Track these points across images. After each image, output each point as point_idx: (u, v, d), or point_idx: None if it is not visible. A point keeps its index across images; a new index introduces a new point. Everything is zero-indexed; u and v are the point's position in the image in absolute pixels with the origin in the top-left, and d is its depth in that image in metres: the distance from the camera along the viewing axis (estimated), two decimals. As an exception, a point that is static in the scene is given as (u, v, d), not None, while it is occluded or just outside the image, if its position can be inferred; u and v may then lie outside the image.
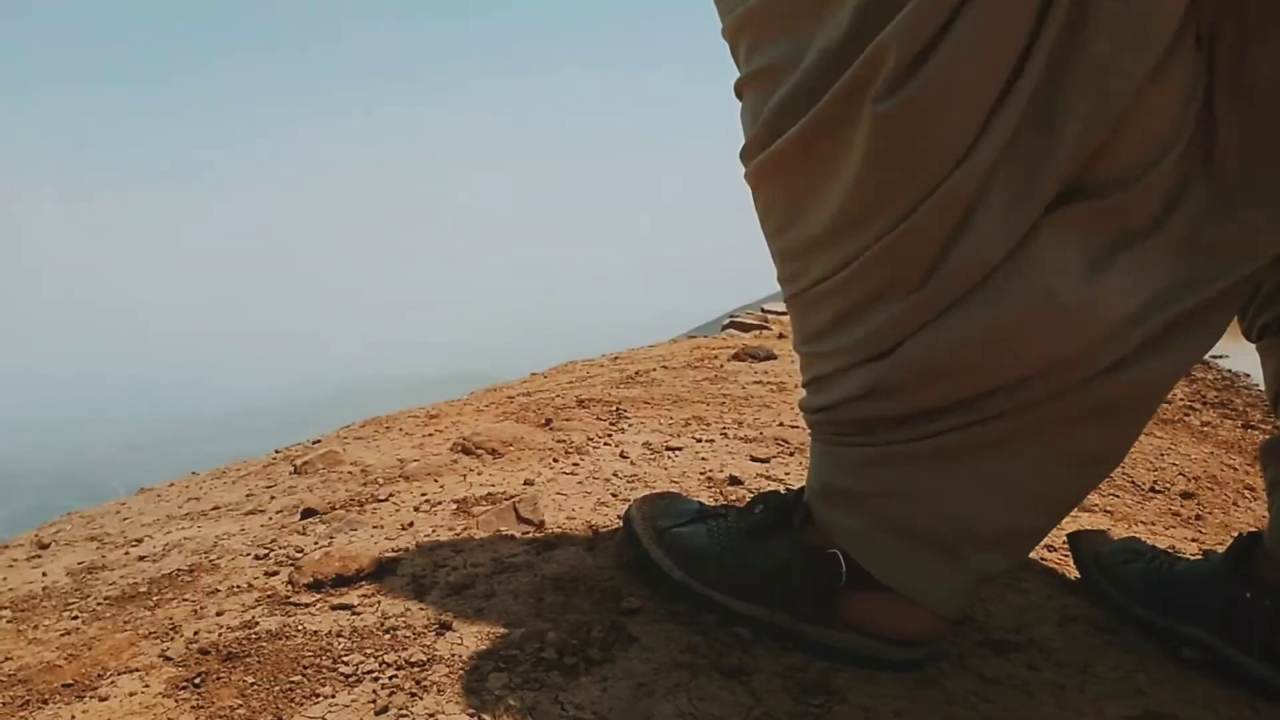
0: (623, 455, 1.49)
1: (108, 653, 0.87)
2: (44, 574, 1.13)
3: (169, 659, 0.84)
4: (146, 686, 0.80)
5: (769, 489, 1.28)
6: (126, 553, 1.19)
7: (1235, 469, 2.01)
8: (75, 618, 0.96)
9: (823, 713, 0.73)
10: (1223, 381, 3.62)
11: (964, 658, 0.85)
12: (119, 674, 0.82)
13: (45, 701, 0.78)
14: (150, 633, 0.90)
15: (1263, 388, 3.12)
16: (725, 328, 4.48)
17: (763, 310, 5.14)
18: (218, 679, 0.80)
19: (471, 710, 0.72)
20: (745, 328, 4.30)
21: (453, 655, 0.81)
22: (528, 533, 1.11)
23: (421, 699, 0.74)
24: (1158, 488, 1.65)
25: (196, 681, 0.79)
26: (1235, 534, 0.91)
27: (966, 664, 0.83)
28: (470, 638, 0.84)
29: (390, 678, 0.78)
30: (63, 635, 0.92)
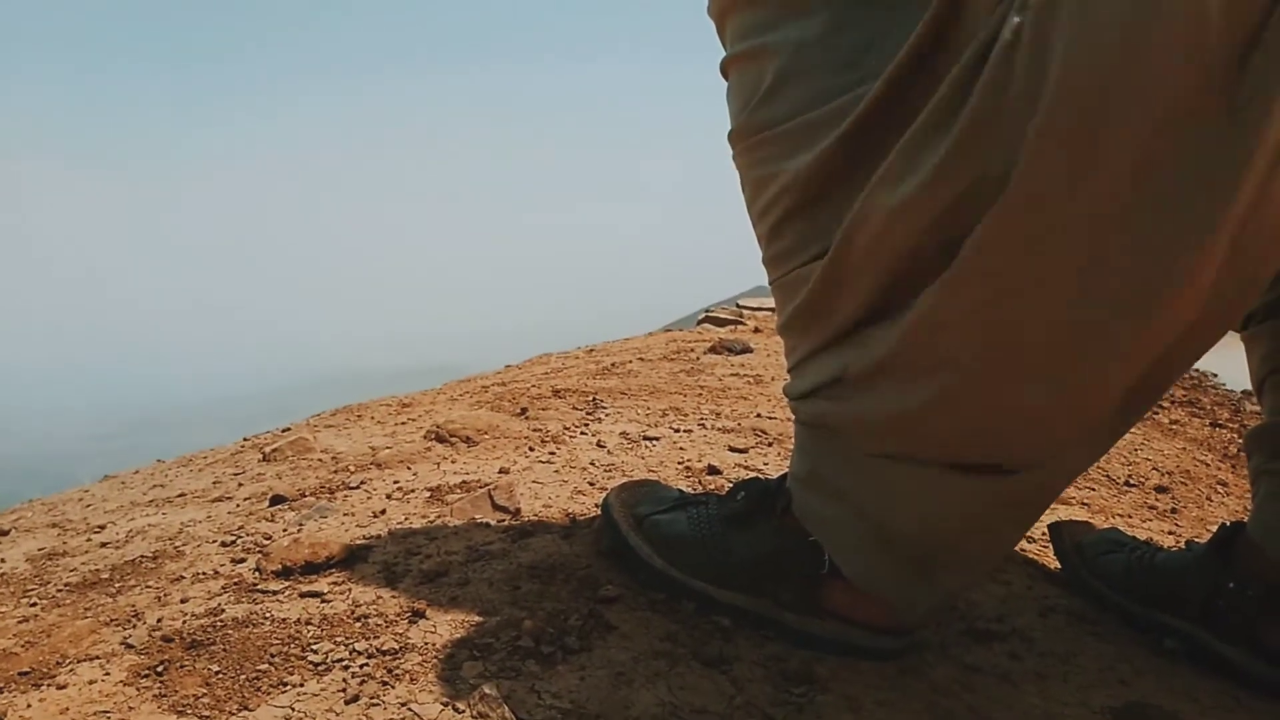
0: (600, 444, 1.48)
1: (67, 640, 0.84)
2: (2, 560, 1.09)
3: (130, 646, 0.81)
4: (107, 674, 0.77)
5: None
6: (89, 539, 1.16)
7: (1207, 464, 2.02)
8: (34, 604, 0.93)
9: (805, 702, 0.72)
10: (1190, 381, 3.66)
11: (947, 647, 0.84)
12: (78, 662, 0.79)
13: (0, 690, 0.75)
14: (112, 620, 0.87)
15: (1230, 387, 3.15)
16: (700, 322, 4.47)
17: (738, 305, 5.15)
18: (181, 667, 0.77)
19: (445, 699, 0.70)
20: (721, 322, 4.29)
21: (426, 643, 0.79)
22: (503, 520, 1.09)
23: (393, 688, 0.72)
24: (1132, 482, 1.65)
25: (159, 669, 0.77)
26: (1211, 527, 0.91)
27: (949, 653, 0.83)
28: (444, 626, 0.82)
29: (361, 666, 0.75)
30: (20, 622, 0.89)
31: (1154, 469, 1.81)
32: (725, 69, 0.77)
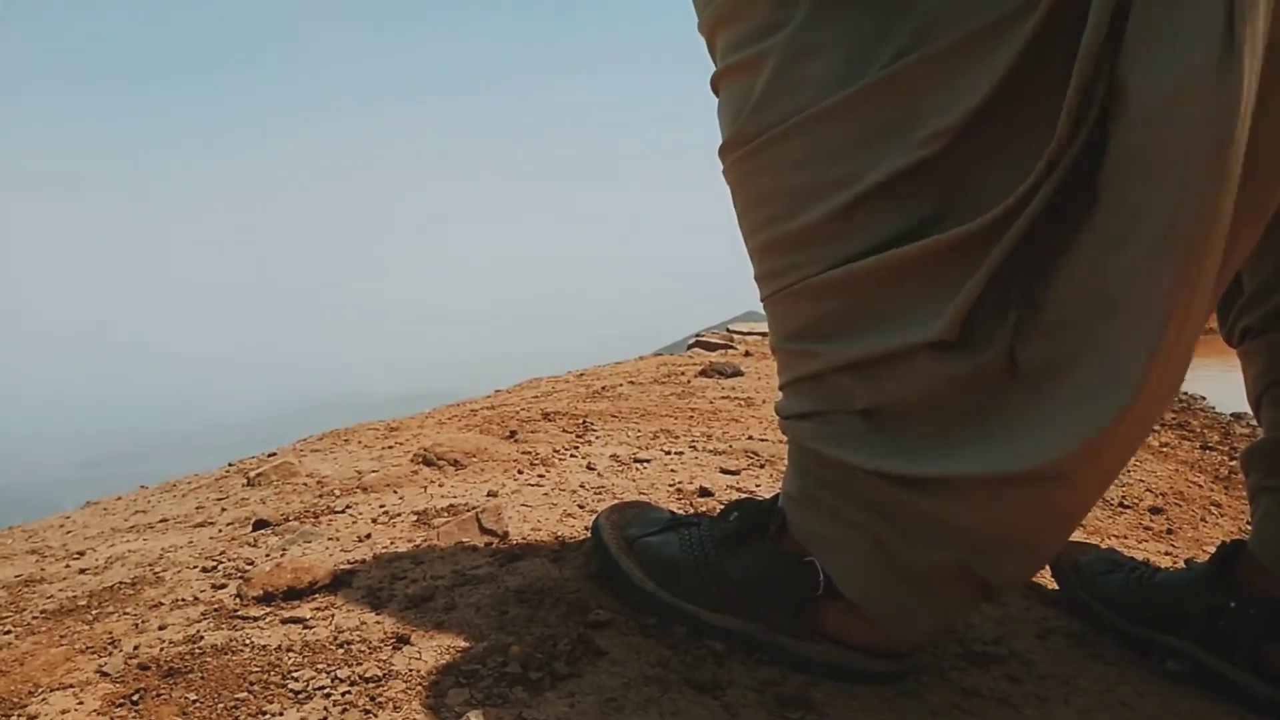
0: (590, 467, 1.46)
1: (41, 668, 0.81)
2: (-24, 587, 1.07)
3: (106, 675, 0.79)
4: (81, 704, 0.74)
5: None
6: (67, 566, 1.13)
7: (1200, 486, 2.01)
8: (8, 632, 0.91)
9: (800, 728, 0.70)
10: (1179, 404, 3.67)
11: (945, 670, 0.82)
12: (51, 690, 0.77)
13: (-31, 720, 0.73)
14: (87, 647, 0.85)
15: (1219, 410, 3.14)
16: (691, 347, 4.46)
17: (728, 330, 5.15)
18: (157, 695, 0.74)
19: (430, 727, 0.68)
20: (711, 347, 4.29)
21: (410, 670, 0.76)
22: (491, 544, 1.07)
23: (376, 716, 0.70)
24: (1126, 503, 1.64)
25: (135, 698, 0.74)
26: (1206, 548, 0.90)
27: (947, 677, 0.81)
28: (429, 652, 0.80)
29: (343, 694, 0.73)
30: (-8, 651, 0.86)
31: (1148, 490, 1.80)
32: (716, 84, 0.76)
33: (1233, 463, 2.28)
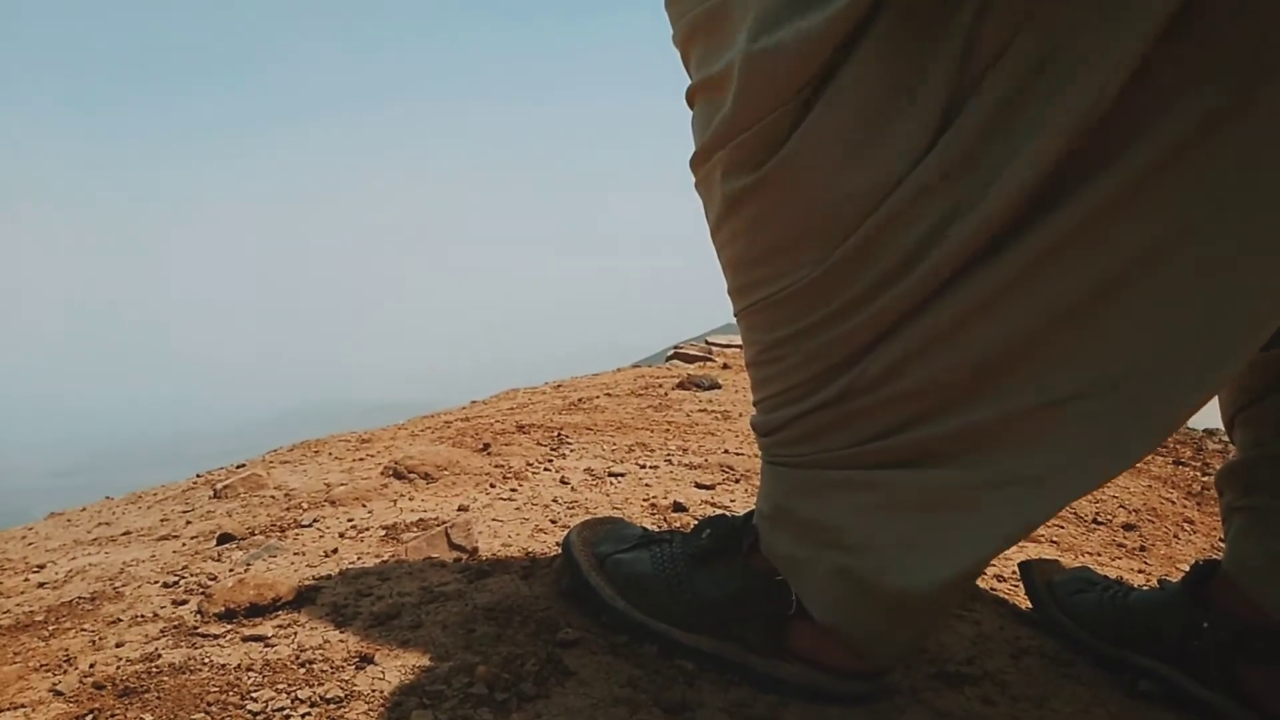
0: (563, 481, 1.44)
1: (-9, 688, 0.79)
2: (-70, 602, 1.04)
3: (60, 694, 0.76)
4: (32, 725, 0.72)
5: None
6: (26, 579, 1.11)
7: (1173, 503, 2.02)
8: (-41, 649, 0.88)
9: (771, 751, 0.69)
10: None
11: (918, 691, 0.81)
12: (2, 711, 0.74)
13: (-88, 743, 0.71)
14: (42, 665, 0.83)
15: (1191, 425, 3.14)
16: (669, 359, 4.45)
17: (707, 342, 5.13)
18: (112, 716, 0.72)
19: (392, 750, 0.66)
20: (689, 359, 4.27)
21: (373, 691, 0.75)
22: (460, 560, 1.05)
23: (337, 738, 0.68)
24: (1100, 520, 1.64)
25: (88, 719, 0.72)
26: (1179, 565, 0.89)
27: (920, 698, 0.80)
28: (393, 672, 0.78)
29: (303, 715, 0.71)
30: (-58, 669, 0.84)
31: (1121, 506, 1.80)
32: (691, 96, 0.75)
33: (1205, 479, 2.29)
